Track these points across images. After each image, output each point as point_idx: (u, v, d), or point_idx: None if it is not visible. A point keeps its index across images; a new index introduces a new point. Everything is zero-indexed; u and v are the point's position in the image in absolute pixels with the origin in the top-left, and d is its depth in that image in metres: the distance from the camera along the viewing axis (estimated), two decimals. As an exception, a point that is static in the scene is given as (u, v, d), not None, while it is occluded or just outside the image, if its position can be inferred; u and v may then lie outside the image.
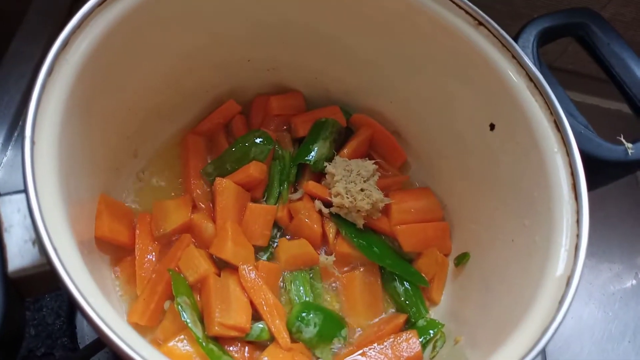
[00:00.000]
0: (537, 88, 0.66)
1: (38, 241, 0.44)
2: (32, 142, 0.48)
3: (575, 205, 0.60)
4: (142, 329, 0.69)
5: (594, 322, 1.04)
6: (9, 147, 0.93)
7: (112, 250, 0.72)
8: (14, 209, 0.51)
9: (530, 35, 0.76)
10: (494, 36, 0.68)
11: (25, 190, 0.46)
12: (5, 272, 0.48)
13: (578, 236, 0.58)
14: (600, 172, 0.72)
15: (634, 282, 1.09)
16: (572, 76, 1.24)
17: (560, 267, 0.57)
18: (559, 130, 0.64)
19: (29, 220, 0.48)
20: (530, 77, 0.67)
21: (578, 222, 0.59)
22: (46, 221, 0.45)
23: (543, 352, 0.97)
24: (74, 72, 0.55)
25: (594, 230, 1.15)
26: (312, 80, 0.87)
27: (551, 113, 0.65)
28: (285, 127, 0.87)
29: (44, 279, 0.50)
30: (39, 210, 0.45)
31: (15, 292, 0.48)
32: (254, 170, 0.78)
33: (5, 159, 0.91)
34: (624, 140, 0.70)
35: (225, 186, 0.76)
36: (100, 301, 0.45)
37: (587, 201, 0.60)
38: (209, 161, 0.82)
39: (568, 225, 0.59)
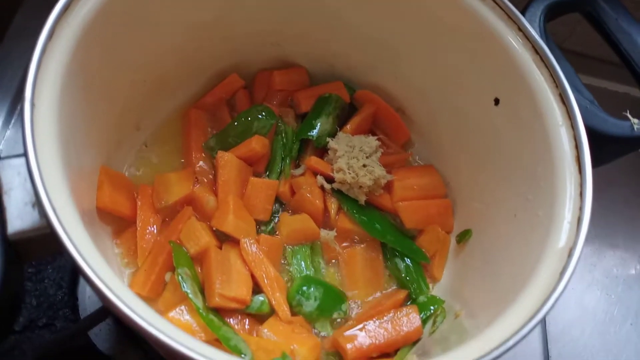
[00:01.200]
0: (543, 61, 0.66)
1: (37, 203, 0.44)
2: (32, 104, 0.48)
3: (578, 177, 0.60)
4: (143, 300, 0.69)
5: (596, 305, 1.03)
6: (11, 122, 0.93)
7: (113, 222, 0.72)
8: (14, 173, 0.51)
9: (537, 10, 0.75)
10: (500, 8, 0.67)
11: (24, 152, 0.46)
12: (5, 233, 0.48)
13: (581, 209, 0.58)
14: (605, 147, 0.71)
15: (638, 265, 1.08)
16: (580, 58, 1.23)
17: (562, 238, 0.57)
18: (564, 103, 0.64)
19: (29, 183, 0.48)
20: (536, 50, 0.66)
21: (582, 194, 0.59)
22: (46, 182, 0.45)
23: (544, 333, 0.97)
24: (75, 36, 0.55)
25: (598, 214, 1.15)
26: (316, 55, 0.86)
27: (556, 86, 0.64)
28: (288, 103, 0.87)
29: (43, 242, 0.50)
30: (39, 172, 0.45)
31: (14, 255, 0.48)
32: (257, 144, 0.77)
33: (8, 132, 0.91)
34: (630, 116, 0.70)
35: (228, 160, 0.76)
36: (101, 263, 0.45)
37: (591, 173, 0.59)
38: (211, 135, 0.82)
39: (571, 198, 0.59)
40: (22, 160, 0.51)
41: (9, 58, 0.96)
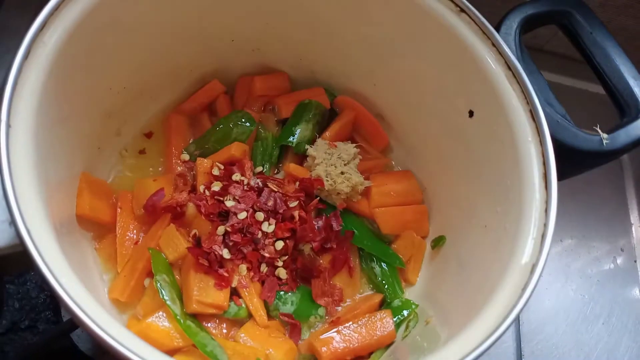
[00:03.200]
0: (515, 77, 0.67)
1: (12, 222, 0.46)
2: (8, 126, 0.49)
3: (544, 194, 0.62)
4: (122, 305, 0.71)
5: (570, 304, 1.06)
6: None
7: (93, 228, 0.73)
8: (-10, 190, 0.52)
9: (513, 22, 0.76)
10: (475, 23, 0.68)
11: None
12: (-18, 251, 0.49)
13: (545, 225, 0.60)
14: (575, 161, 0.73)
15: (612, 265, 1.11)
16: (563, 60, 1.24)
17: (526, 254, 0.59)
18: (534, 119, 0.65)
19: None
20: (509, 66, 0.67)
21: (547, 211, 0.60)
22: (20, 204, 0.47)
23: (518, 332, 1.00)
24: (52, 54, 0.55)
25: (575, 213, 1.17)
26: (297, 61, 0.87)
27: (527, 102, 0.66)
28: (270, 108, 0.88)
29: (21, 259, 0.51)
30: (13, 193, 0.47)
31: (-8, 271, 0.50)
32: (236, 150, 0.79)
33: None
34: (599, 130, 0.71)
35: (207, 166, 0.77)
36: (73, 281, 0.47)
37: (556, 191, 0.61)
38: (192, 140, 0.83)
39: (536, 214, 0.61)
40: (-1, 177, 0.52)
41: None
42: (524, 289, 0.56)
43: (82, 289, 0.47)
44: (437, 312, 0.73)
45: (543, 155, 0.64)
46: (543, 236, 0.59)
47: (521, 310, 0.55)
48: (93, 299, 0.46)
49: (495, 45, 0.68)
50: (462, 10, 0.69)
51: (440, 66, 0.74)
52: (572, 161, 0.73)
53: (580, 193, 1.16)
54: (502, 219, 0.66)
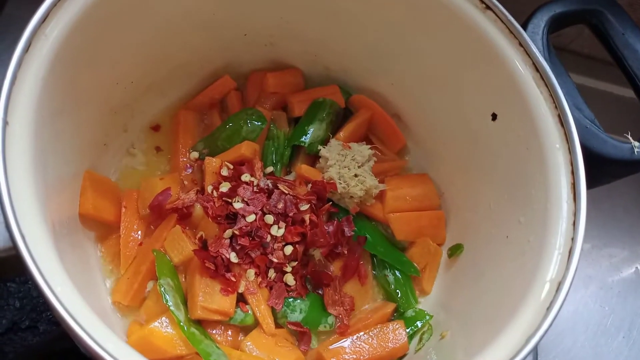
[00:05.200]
0: (543, 79, 0.63)
1: (7, 227, 0.43)
2: (5, 123, 0.47)
3: (573, 206, 0.58)
4: (125, 308, 0.68)
5: (589, 316, 1.02)
6: None
7: (97, 227, 0.71)
8: (-13, 189, 0.49)
9: (540, 21, 0.72)
10: (502, 21, 0.65)
11: (-5, 173, 0.44)
12: (-24, 254, 0.46)
13: (573, 240, 0.56)
14: (603, 169, 0.69)
15: (634, 276, 1.07)
16: (587, 61, 1.19)
17: (551, 270, 0.55)
18: (562, 125, 0.61)
19: (2, 202, 0.47)
20: (537, 68, 0.63)
21: (575, 224, 0.57)
22: (15, 207, 0.44)
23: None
24: (53, 47, 0.53)
25: (597, 221, 1.13)
26: (312, 57, 0.84)
27: (556, 107, 0.62)
28: (282, 106, 0.85)
29: (17, 262, 0.48)
30: (8, 196, 0.44)
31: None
32: (246, 150, 0.76)
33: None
34: (631, 138, 0.67)
35: (216, 166, 0.74)
36: (69, 290, 0.44)
37: (585, 203, 0.57)
38: (201, 138, 0.80)
39: (563, 228, 0.57)
40: (-4, 175, 0.49)
41: (-2, 49, 0.94)
42: (549, 309, 0.52)
43: (79, 299, 0.44)
44: (453, 326, 0.69)
45: (572, 164, 0.60)
46: (570, 251, 0.55)
47: (546, 332, 0.51)
48: (89, 311, 0.44)
49: (522, 45, 0.64)
50: (488, 7, 0.65)
51: (462, 65, 0.71)
52: (600, 170, 0.69)
53: (602, 201, 1.12)
54: (525, 230, 0.62)
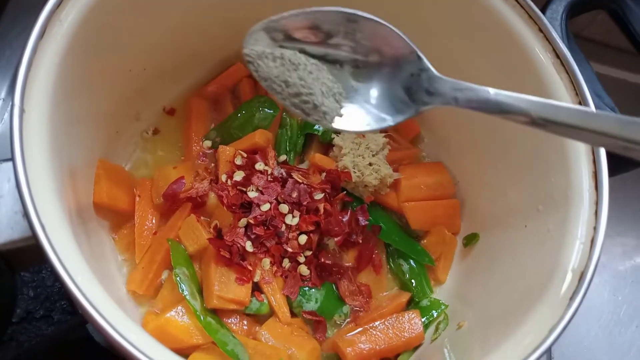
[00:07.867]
0: (564, 65, 0.62)
1: (26, 216, 0.42)
2: (22, 110, 0.46)
3: (594, 194, 0.57)
4: (140, 297, 0.68)
5: (602, 305, 1.02)
6: (4, 117, 0.90)
7: (111, 216, 0.70)
8: (4, 179, 0.49)
9: (559, 7, 0.70)
10: (521, 6, 0.64)
11: (13, 163, 0.44)
12: (-6, 243, 0.46)
13: (595, 229, 0.55)
14: (623, 158, 0.67)
15: (647, 265, 1.06)
16: (600, 47, 1.17)
17: (573, 260, 0.54)
18: (583, 112, 0.60)
19: (19, 190, 0.46)
20: (557, 54, 0.62)
21: (597, 213, 0.56)
22: (34, 196, 0.43)
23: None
24: (68, 33, 0.52)
25: (611, 210, 1.12)
26: (325, 43, 0.82)
27: (577, 93, 0.61)
28: (295, 93, 0.84)
29: (34, 252, 0.48)
30: (27, 184, 0.43)
31: (5, 265, 0.47)
32: (260, 138, 0.75)
33: (7, 114, 0.89)
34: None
35: (229, 154, 0.73)
36: (90, 280, 0.44)
37: (607, 191, 0.56)
38: (213, 126, 0.79)
39: (585, 216, 0.56)
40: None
41: (9, 35, 0.93)
42: (571, 299, 0.51)
43: (99, 289, 0.43)
44: (469, 317, 0.69)
45: (593, 152, 0.59)
46: (593, 241, 0.55)
47: (568, 324, 0.51)
48: (110, 300, 0.43)
49: (542, 30, 0.63)
50: (507, -8, 0.64)
51: (480, 50, 0.69)
52: (619, 158, 0.68)
53: (616, 191, 1.11)
54: (545, 219, 0.61)
